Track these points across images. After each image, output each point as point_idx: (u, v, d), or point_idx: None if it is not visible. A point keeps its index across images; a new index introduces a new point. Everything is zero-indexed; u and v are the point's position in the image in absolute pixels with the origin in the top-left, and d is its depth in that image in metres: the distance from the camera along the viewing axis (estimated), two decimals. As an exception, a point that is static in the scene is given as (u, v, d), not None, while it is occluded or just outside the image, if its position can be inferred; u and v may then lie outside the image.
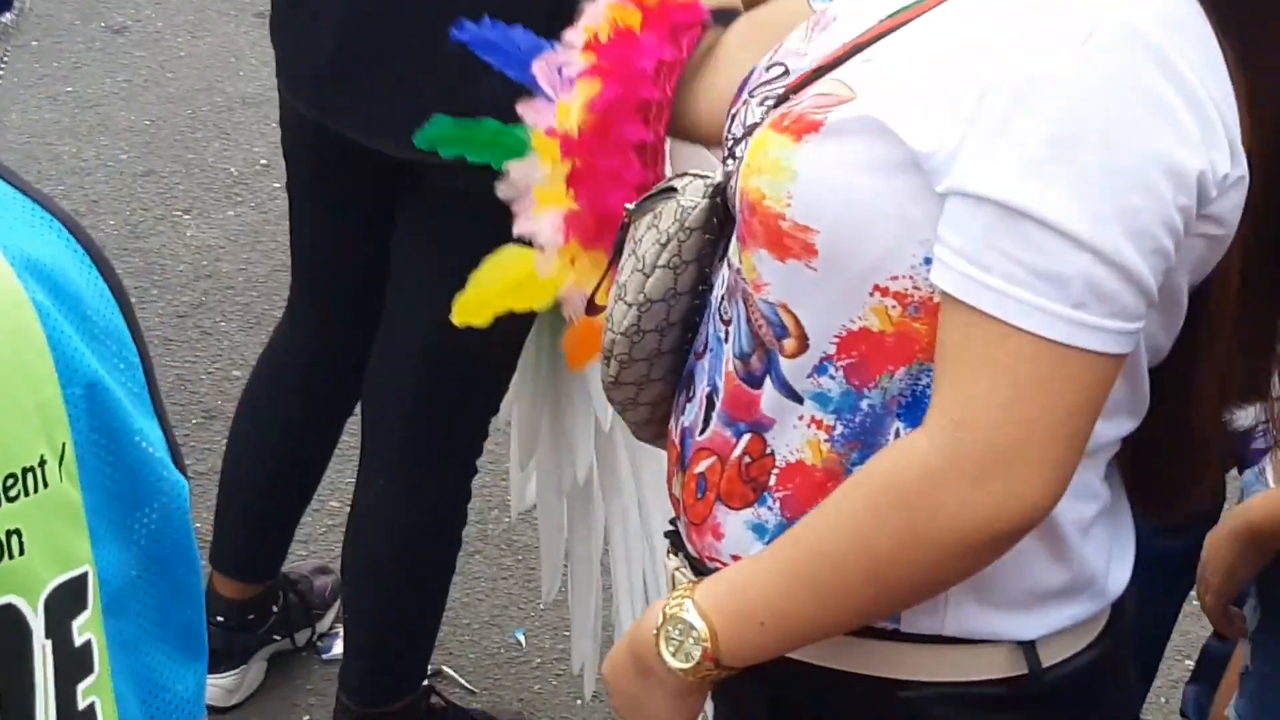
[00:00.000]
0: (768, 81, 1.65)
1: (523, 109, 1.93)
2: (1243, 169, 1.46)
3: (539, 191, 1.92)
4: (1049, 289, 1.40)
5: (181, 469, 1.07)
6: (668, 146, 1.93)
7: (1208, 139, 1.43)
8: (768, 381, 1.57)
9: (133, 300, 1.07)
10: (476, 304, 2.08)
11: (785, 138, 1.51)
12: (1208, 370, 1.58)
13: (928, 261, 1.46)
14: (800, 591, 1.50)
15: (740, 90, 1.70)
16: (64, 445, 0.98)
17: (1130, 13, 1.42)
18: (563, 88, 1.89)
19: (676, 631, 1.54)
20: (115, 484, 1.02)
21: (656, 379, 1.73)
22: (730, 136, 1.67)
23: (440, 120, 2.14)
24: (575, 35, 1.86)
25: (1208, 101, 1.43)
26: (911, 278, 1.48)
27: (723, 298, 1.62)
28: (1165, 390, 1.58)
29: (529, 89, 1.95)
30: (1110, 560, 1.62)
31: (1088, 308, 1.41)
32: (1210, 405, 1.61)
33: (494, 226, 2.55)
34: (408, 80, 2.48)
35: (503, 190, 1.95)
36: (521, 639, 3.31)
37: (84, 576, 1.00)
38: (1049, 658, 1.58)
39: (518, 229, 1.96)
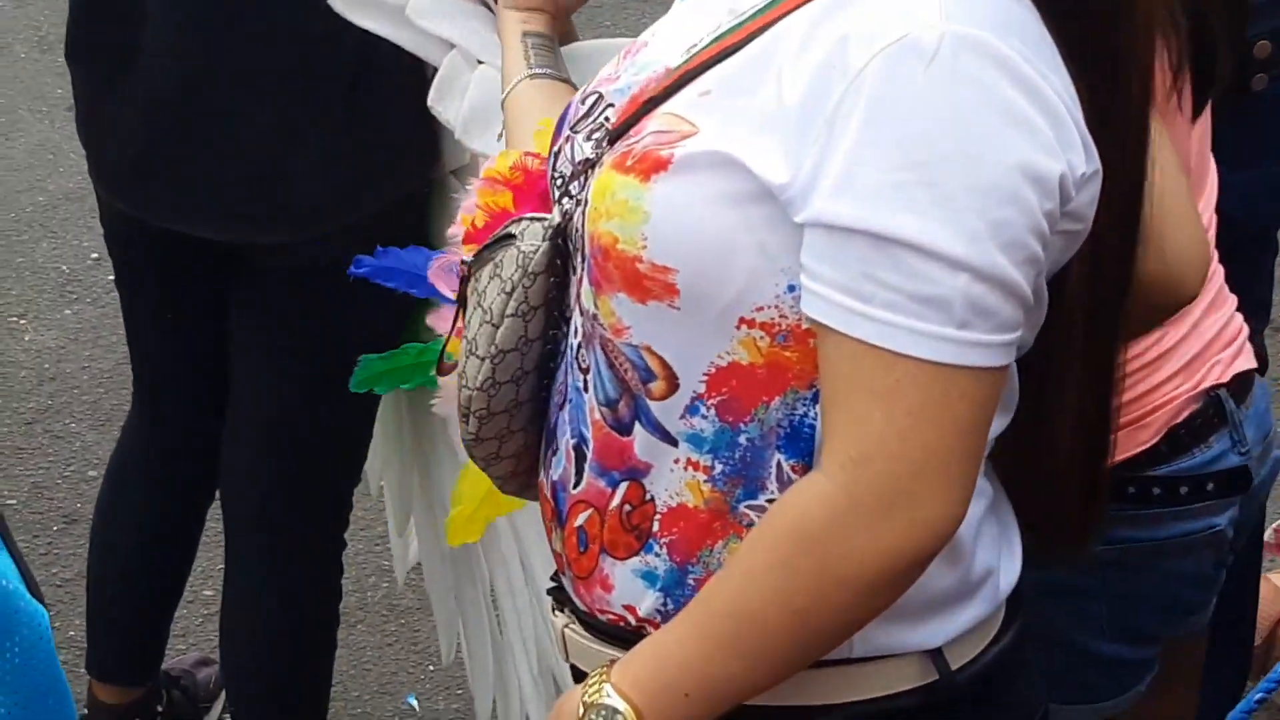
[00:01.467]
0: (586, 114, 1.63)
1: (431, 320, 1.93)
2: (1096, 163, 1.47)
3: None
4: (932, 313, 1.39)
5: (37, 595, 1.04)
6: None
7: (1063, 140, 1.43)
8: (638, 426, 1.55)
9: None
10: (464, 522, 2.07)
11: (631, 179, 1.49)
12: (1066, 367, 1.57)
13: (791, 289, 1.45)
14: (723, 656, 1.48)
15: (560, 126, 1.69)
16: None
17: (969, 25, 1.41)
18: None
19: (599, 718, 1.51)
20: (-28, 624, 1.00)
21: (517, 429, 1.70)
22: (558, 174, 1.65)
23: (367, 361, 2.15)
24: (455, 230, 1.84)
25: (1057, 102, 1.43)
26: (777, 307, 1.47)
27: (579, 345, 1.60)
28: (1033, 385, 1.57)
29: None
30: (1001, 555, 1.61)
31: (971, 326, 1.40)
32: (1071, 401, 1.59)
33: (323, 299, 2.55)
34: (219, 163, 2.45)
35: (439, 406, 1.94)
36: (414, 703, 3.28)
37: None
38: (956, 660, 1.57)
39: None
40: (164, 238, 2.57)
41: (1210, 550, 2.09)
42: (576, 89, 1.79)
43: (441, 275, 1.91)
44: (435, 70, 2.27)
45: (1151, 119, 1.58)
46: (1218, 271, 2.06)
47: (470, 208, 1.78)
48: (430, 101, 2.22)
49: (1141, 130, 1.55)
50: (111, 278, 4.01)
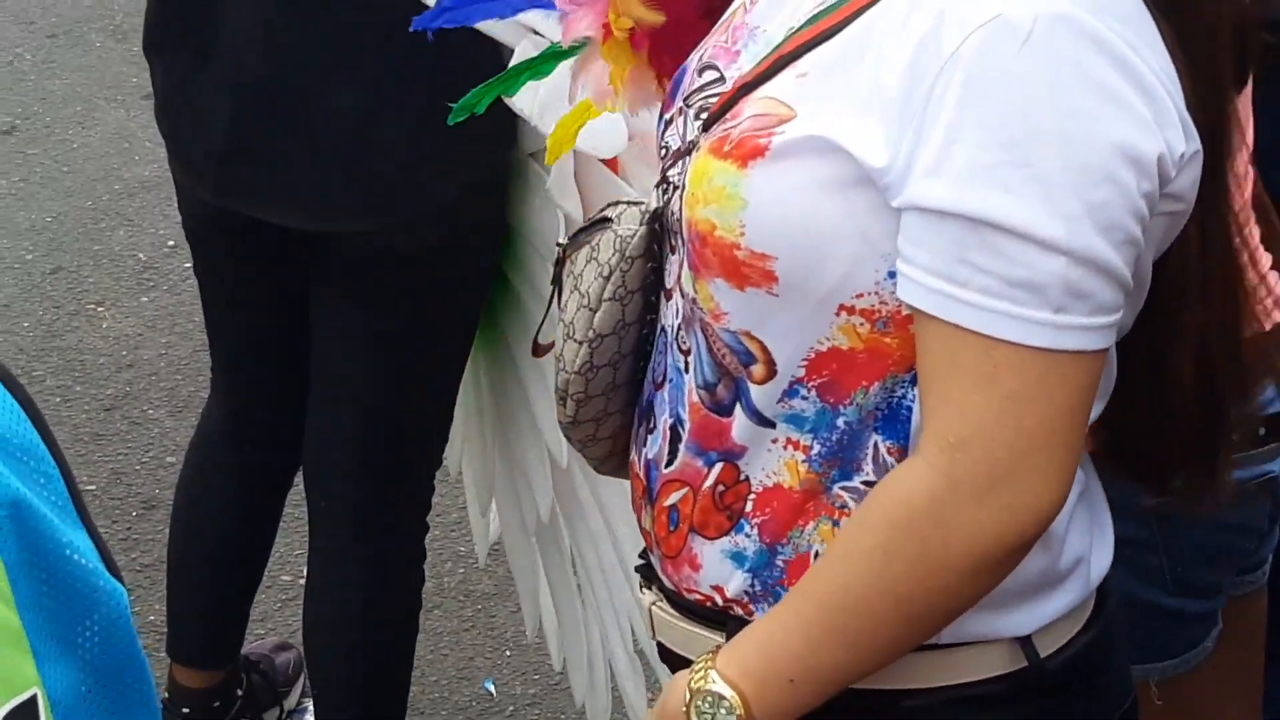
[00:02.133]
0: (701, 88, 1.62)
1: (568, 25, 1.88)
2: (1196, 143, 1.45)
3: (613, 77, 1.85)
4: (1028, 297, 1.38)
5: (116, 575, 1.05)
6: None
7: (1160, 120, 1.41)
8: (737, 409, 1.54)
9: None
10: (561, 137, 2.01)
11: (729, 164, 1.48)
12: (1180, 342, 1.56)
13: (891, 275, 1.44)
14: (828, 643, 1.48)
15: (673, 93, 1.67)
16: (-6, 568, 0.96)
17: (1063, 3, 1.39)
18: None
19: (706, 704, 1.51)
20: (53, 601, 1.00)
21: (614, 412, 1.70)
22: (664, 146, 1.65)
23: (471, 93, 2.05)
24: None
25: (1154, 80, 1.41)
26: (877, 293, 1.46)
27: (679, 327, 1.59)
28: (1141, 366, 1.56)
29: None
30: (1093, 543, 1.60)
31: (1069, 310, 1.39)
32: (1189, 377, 1.58)
33: (405, 285, 2.55)
34: (302, 150, 2.45)
35: (573, 89, 1.88)
36: (491, 689, 3.28)
37: (33, 700, 0.98)
38: (1045, 648, 1.57)
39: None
40: (244, 225, 2.57)
41: (1264, 497, 2.10)
42: None
43: None
44: (511, 53, 2.27)
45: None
46: (1254, 230, 2.06)
47: None
48: (535, 103, 2.22)
49: (1229, 102, 1.53)
50: (188, 265, 4.05)
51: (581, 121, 1.98)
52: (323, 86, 2.43)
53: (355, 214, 2.49)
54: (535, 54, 2.02)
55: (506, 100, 2.22)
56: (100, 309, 4.35)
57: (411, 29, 1.99)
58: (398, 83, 2.43)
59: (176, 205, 2.84)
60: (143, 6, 2.62)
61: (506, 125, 2.48)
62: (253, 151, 2.50)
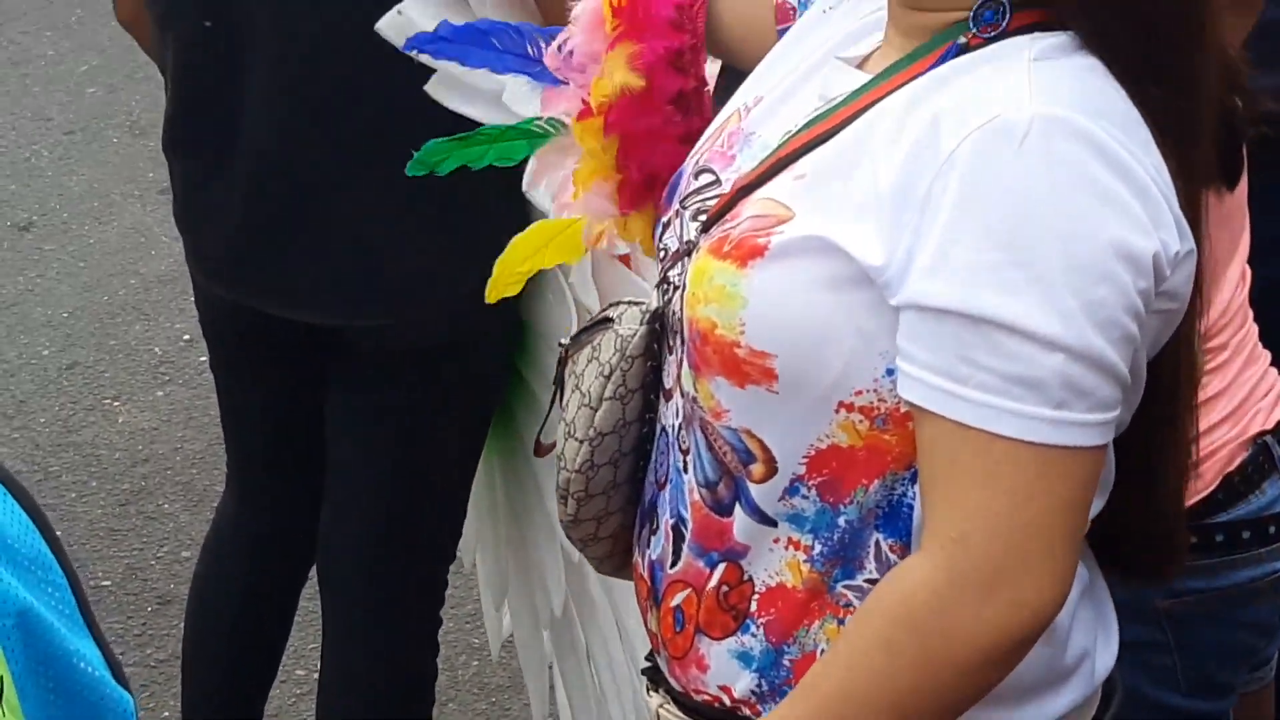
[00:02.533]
0: (698, 190, 1.64)
1: (547, 97, 1.92)
2: (1190, 242, 1.47)
3: (577, 174, 1.91)
4: (1028, 394, 1.39)
5: (123, 683, 1.05)
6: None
7: (1155, 219, 1.42)
8: (738, 508, 1.55)
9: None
10: (507, 276, 2.04)
11: (729, 264, 1.50)
12: (1172, 438, 1.58)
13: (890, 373, 1.46)
14: None
15: (669, 197, 1.69)
16: (2, 678, 0.96)
17: (1059, 106, 1.41)
18: (572, 68, 1.88)
19: None
20: (61, 710, 1.00)
21: (615, 511, 1.71)
22: (663, 248, 1.66)
23: (431, 145, 2.10)
24: (583, 11, 1.86)
25: (1148, 181, 1.43)
26: (876, 390, 1.47)
27: (679, 427, 1.60)
28: (1133, 464, 1.57)
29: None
30: (1097, 639, 1.61)
31: (1068, 406, 1.40)
32: (1178, 474, 1.61)
33: (419, 380, 2.56)
34: (319, 248, 2.47)
35: (533, 181, 1.91)
36: (506, 781, 3.27)
37: (41, 807, 0.98)
38: None
39: (558, 213, 1.96)
40: (261, 320, 2.59)
41: (1274, 594, 2.10)
42: None
43: (554, 56, 1.90)
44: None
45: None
46: (1252, 329, 2.10)
47: None
48: (525, 186, 2.24)
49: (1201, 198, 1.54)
50: (204, 359, 4.06)
51: (531, 266, 2.02)
52: (338, 187, 2.45)
53: (371, 309, 2.51)
54: (503, 123, 2.05)
55: (527, 192, 2.25)
56: (116, 404, 4.36)
57: (404, 48, 2.02)
58: (412, 182, 2.44)
59: (193, 300, 2.85)
60: (160, 102, 2.64)
61: (521, 220, 2.49)
62: (269, 250, 2.52)
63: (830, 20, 1.71)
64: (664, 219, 1.68)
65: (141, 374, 4.47)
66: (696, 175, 1.65)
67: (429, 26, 2.27)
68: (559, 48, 1.89)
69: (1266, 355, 2.13)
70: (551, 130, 1.95)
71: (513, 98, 2.28)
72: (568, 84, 1.89)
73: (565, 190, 1.93)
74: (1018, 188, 1.39)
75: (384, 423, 2.60)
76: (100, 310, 4.73)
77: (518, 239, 2.05)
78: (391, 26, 2.27)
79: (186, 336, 4.54)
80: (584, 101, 1.85)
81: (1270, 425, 2.09)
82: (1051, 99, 1.42)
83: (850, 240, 1.44)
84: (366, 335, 2.53)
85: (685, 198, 1.65)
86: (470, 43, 2.02)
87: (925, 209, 1.41)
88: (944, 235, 1.40)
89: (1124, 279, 1.40)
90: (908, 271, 1.42)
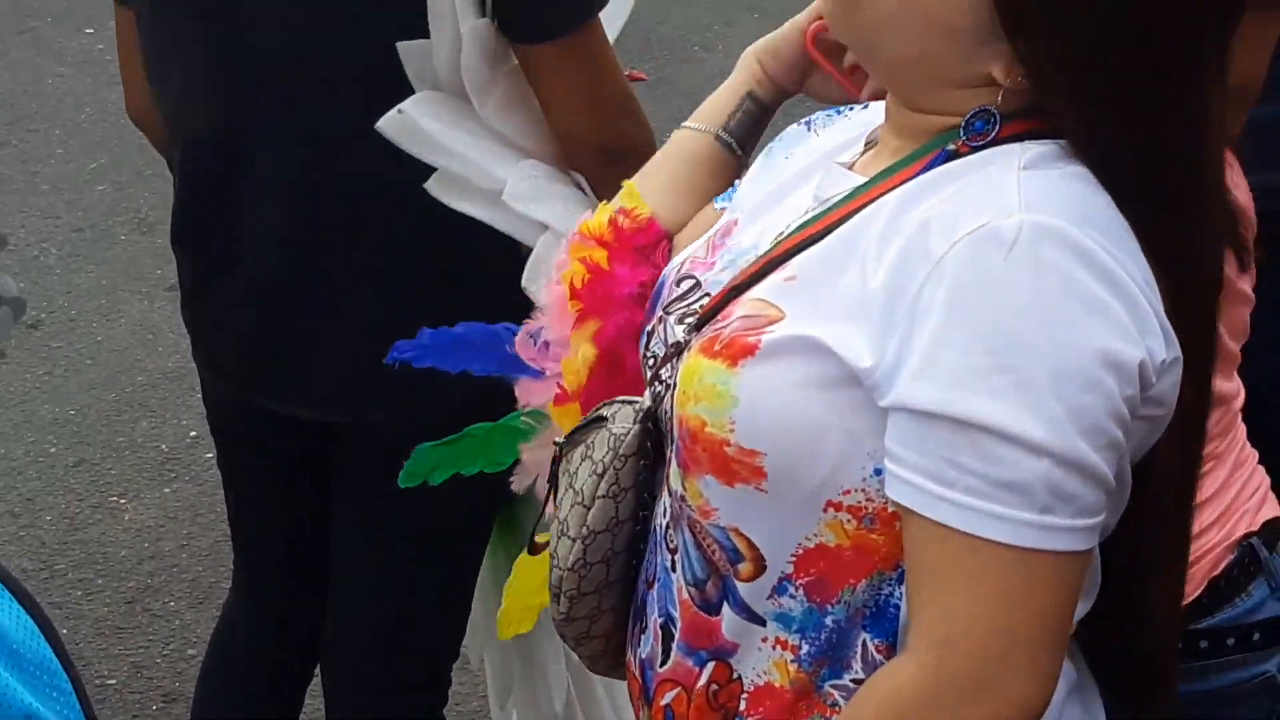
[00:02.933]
0: (681, 296, 1.66)
1: (520, 392, 1.96)
2: (1176, 350, 1.48)
3: None
4: (1013, 498, 1.40)
5: None
6: None
7: (1141, 327, 1.43)
8: (726, 607, 1.56)
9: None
10: (518, 613, 2.10)
11: (719, 364, 1.51)
12: (1159, 544, 1.59)
13: (878, 473, 1.47)
14: None
15: (653, 305, 1.71)
16: (7, 784, 0.97)
17: (1047, 214, 1.42)
18: (547, 356, 1.90)
19: None
20: (64, 814, 1.01)
21: (608, 609, 1.72)
22: (650, 354, 1.68)
23: (421, 451, 2.15)
24: (547, 297, 1.89)
25: (1135, 290, 1.44)
26: (864, 490, 1.48)
27: (666, 526, 1.61)
28: (1120, 568, 1.58)
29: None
30: None
31: (1054, 511, 1.41)
32: (1166, 582, 1.61)
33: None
34: (324, 345, 2.48)
35: (521, 480, 1.95)
36: None
37: None
38: None
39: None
40: (267, 417, 2.60)
41: (1263, 697, 2.10)
42: (746, 169, 1.81)
43: (525, 345, 1.93)
44: (529, 250, 2.31)
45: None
46: (1240, 430, 2.11)
47: (565, 264, 1.81)
48: (525, 282, 2.26)
49: (1211, 309, 1.56)
50: (210, 455, 4.07)
51: (542, 600, 2.02)
52: (344, 286, 2.47)
53: (370, 405, 2.52)
54: (491, 426, 2.10)
55: (526, 288, 2.27)
56: (123, 501, 4.37)
57: (387, 360, 2.06)
58: (420, 279, 2.46)
59: (199, 396, 2.87)
60: (168, 200, 2.66)
61: (523, 315, 2.51)
62: (275, 349, 2.53)
63: (820, 133, 1.75)
64: (648, 327, 1.70)
65: (148, 470, 4.48)
66: (678, 283, 1.68)
67: (430, 125, 2.30)
68: (531, 338, 1.92)
69: (1254, 455, 2.15)
70: (535, 425, 1.99)
71: (512, 196, 2.30)
72: (544, 373, 1.91)
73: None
74: (1006, 294, 1.40)
75: (388, 518, 2.61)
76: (107, 407, 4.75)
77: (522, 565, 2.07)
78: (392, 125, 2.30)
79: (193, 433, 4.56)
80: (560, 387, 1.87)
81: (1256, 526, 2.09)
82: (1040, 207, 1.43)
83: (839, 341, 1.46)
84: (371, 431, 2.54)
85: (668, 304, 1.67)
86: (451, 348, 2.07)
87: (915, 313, 1.42)
88: (933, 339, 1.41)
89: (1110, 386, 1.41)
90: (896, 374, 1.43)
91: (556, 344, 1.87)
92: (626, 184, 1.88)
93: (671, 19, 7.06)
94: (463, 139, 2.33)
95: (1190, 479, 1.59)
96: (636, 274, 1.81)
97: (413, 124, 2.31)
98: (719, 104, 1.92)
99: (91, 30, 6.75)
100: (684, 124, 1.93)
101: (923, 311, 1.41)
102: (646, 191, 1.87)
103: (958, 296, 1.41)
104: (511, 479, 2.02)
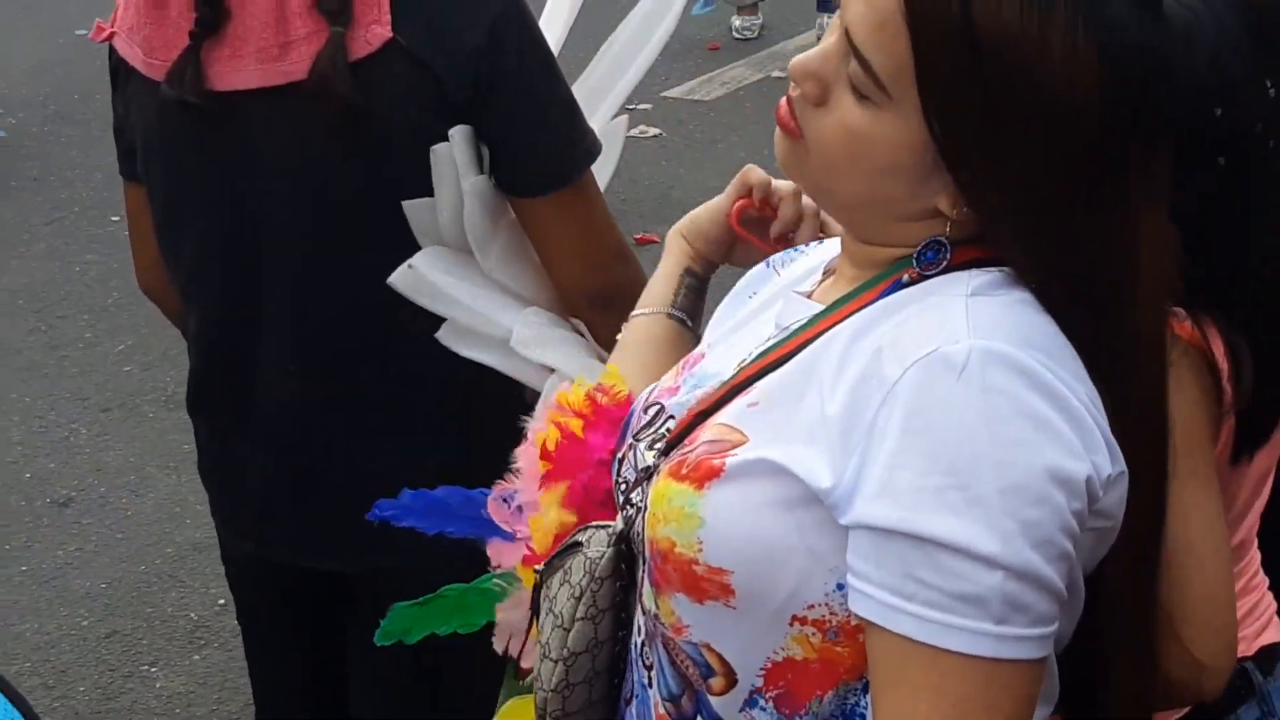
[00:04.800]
0: (649, 423, 1.72)
1: (492, 553, 1.99)
2: (1121, 465, 1.52)
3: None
4: (970, 610, 1.45)
5: None
6: None
7: (1087, 444, 1.48)
8: None
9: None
10: None
11: (686, 486, 1.56)
12: (1117, 655, 1.62)
13: (840, 588, 1.51)
14: None
15: (623, 434, 1.78)
16: None
17: (994, 339, 1.48)
18: (519, 518, 1.94)
19: None
20: None
21: None
22: (622, 479, 1.74)
23: (397, 611, 2.19)
24: (522, 460, 1.93)
25: (1080, 408, 1.49)
26: (827, 604, 1.53)
27: (642, 644, 1.66)
28: (1079, 679, 1.61)
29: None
30: None
31: (1009, 621, 1.45)
32: (1128, 684, 1.64)
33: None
34: (343, 500, 2.51)
35: (498, 641, 1.99)
36: None
37: None
38: None
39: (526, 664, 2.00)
40: (286, 573, 2.65)
41: None
42: (698, 341, 1.88)
43: (498, 508, 1.97)
44: (536, 394, 2.38)
45: (1192, 462, 1.64)
46: (1255, 556, 2.12)
47: (540, 429, 1.87)
48: (495, 646, 2.30)
49: (1159, 423, 1.59)
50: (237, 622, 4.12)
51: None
52: (356, 441, 2.51)
53: (389, 554, 2.55)
54: (465, 587, 2.12)
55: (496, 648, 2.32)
56: (154, 669, 4.43)
57: (368, 516, 2.12)
58: (431, 429, 2.51)
59: (224, 560, 2.92)
60: (192, 373, 2.73)
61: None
62: (290, 505, 2.58)
63: (781, 271, 1.84)
64: (619, 455, 1.76)
65: (178, 639, 4.55)
66: (645, 410, 1.74)
67: (439, 280, 2.38)
68: (504, 500, 1.96)
69: (1265, 581, 2.15)
70: (507, 586, 2.02)
71: (519, 342, 2.39)
72: (515, 536, 1.96)
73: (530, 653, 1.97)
74: (957, 416, 1.45)
75: (404, 665, 2.63)
76: (138, 580, 4.82)
77: (514, 705, 2.11)
78: (403, 279, 2.38)
79: (221, 601, 4.62)
80: (529, 548, 1.92)
81: (1251, 651, 2.09)
82: (987, 332, 1.48)
83: (799, 464, 1.51)
84: (387, 578, 2.57)
85: (638, 432, 1.73)
86: (428, 510, 2.12)
87: (871, 435, 1.47)
88: (890, 461, 1.46)
89: (1059, 501, 1.46)
90: (855, 494, 1.48)
91: (528, 506, 1.92)
92: (610, 365, 1.94)
93: (682, 183, 7.26)
94: (469, 290, 2.41)
95: (1148, 590, 1.63)
96: (608, 442, 1.85)
97: (422, 278, 2.39)
98: (660, 288, 2.02)
99: (117, 218, 6.90)
100: (633, 314, 2.02)
101: (879, 434, 1.47)
102: (630, 368, 1.93)
103: (912, 420, 1.46)
104: (493, 638, 2.05)
